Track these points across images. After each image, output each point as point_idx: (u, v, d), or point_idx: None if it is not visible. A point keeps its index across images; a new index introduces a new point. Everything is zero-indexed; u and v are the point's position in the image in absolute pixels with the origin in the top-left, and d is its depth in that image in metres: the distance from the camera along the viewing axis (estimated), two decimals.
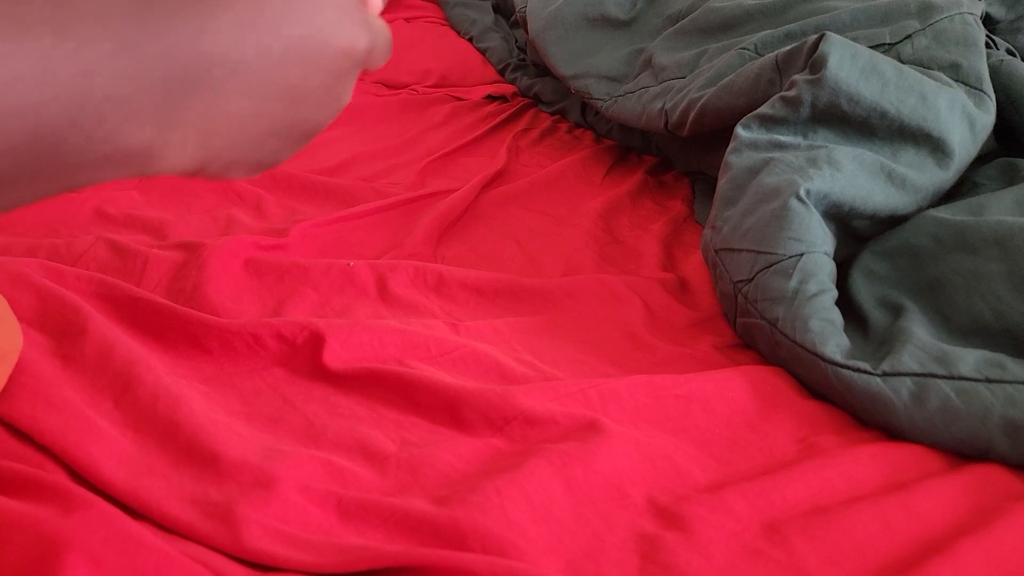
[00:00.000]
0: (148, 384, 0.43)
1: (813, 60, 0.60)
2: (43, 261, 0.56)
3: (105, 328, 0.46)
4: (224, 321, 0.53)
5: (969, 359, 0.48)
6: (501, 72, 1.18)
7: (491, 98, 1.11)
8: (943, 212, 0.56)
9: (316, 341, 0.53)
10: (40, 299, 0.48)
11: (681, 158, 0.91)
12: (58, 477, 0.35)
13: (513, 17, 1.22)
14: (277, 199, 0.77)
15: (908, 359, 0.48)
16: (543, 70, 1.09)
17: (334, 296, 0.62)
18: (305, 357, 0.53)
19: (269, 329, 0.53)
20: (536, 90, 1.11)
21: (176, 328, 0.53)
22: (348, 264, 0.63)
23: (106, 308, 0.52)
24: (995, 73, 0.69)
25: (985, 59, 0.66)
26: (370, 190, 0.81)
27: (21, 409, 0.38)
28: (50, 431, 0.37)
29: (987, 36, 0.73)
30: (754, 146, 0.61)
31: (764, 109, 0.62)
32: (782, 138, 0.61)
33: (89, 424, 0.38)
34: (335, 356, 0.52)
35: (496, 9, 1.32)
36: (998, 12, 0.76)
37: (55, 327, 0.47)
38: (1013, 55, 0.76)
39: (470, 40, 1.24)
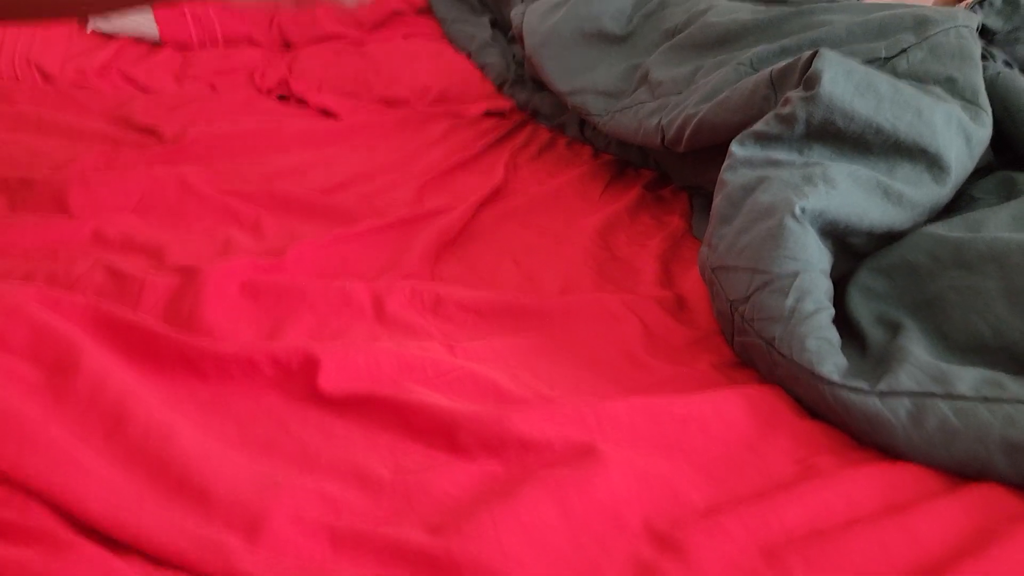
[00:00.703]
0: (140, 419, 0.43)
1: (807, 77, 0.60)
2: (39, 287, 0.55)
3: (98, 361, 0.46)
4: (219, 345, 0.53)
5: (967, 378, 0.47)
6: (499, 87, 1.18)
7: (489, 113, 1.12)
8: (940, 228, 0.56)
9: (311, 365, 0.52)
10: (33, 331, 0.48)
11: (678, 173, 0.91)
12: (45, 520, 0.35)
13: (511, 32, 1.22)
14: (275, 219, 0.77)
15: (906, 378, 0.48)
16: (541, 85, 1.09)
17: (331, 317, 0.62)
18: (300, 381, 0.52)
19: (264, 353, 0.53)
20: (534, 105, 1.11)
21: (172, 353, 0.53)
22: (343, 287, 0.63)
23: (101, 335, 0.52)
24: (991, 86, 0.69)
25: (981, 73, 0.66)
26: (368, 208, 0.81)
27: (6, 454, 0.38)
28: (36, 474, 0.37)
29: (984, 47, 0.73)
30: (749, 163, 0.61)
31: (759, 126, 0.62)
32: (777, 155, 0.61)
33: (76, 464, 0.38)
34: (330, 380, 0.52)
35: (494, 24, 1.32)
36: (995, 23, 0.76)
37: (48, 360, 0.47)
38: (1010, 66, 0.76)
39: (468, 56, 1.24)
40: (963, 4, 0.77)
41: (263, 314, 0.61)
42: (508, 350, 0.60)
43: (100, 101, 0.96)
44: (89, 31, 1.14)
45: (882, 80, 0.60)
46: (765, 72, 0.67)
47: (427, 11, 1.35)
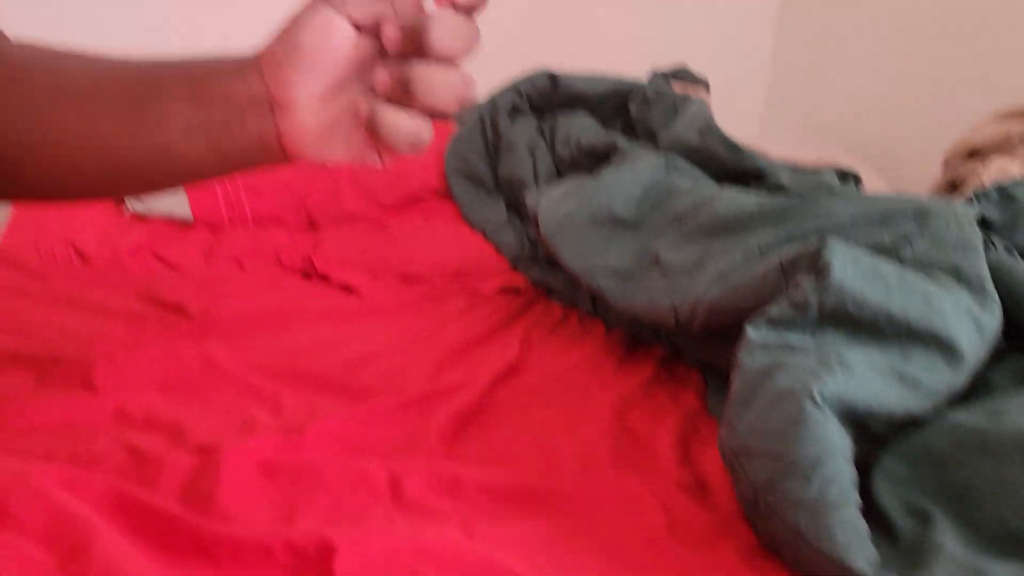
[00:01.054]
0: None
1: (817, 265, 0.62)
2: (59, 466, 0.56)
3: (111, 546, 0.46)
4: (234, 530, 0.52)
5: (1003, 575, 0.46)
6: (514, 265, 1.22)
7: (505, 290, 1.15)
8: (961, 416, 0.56)
9: (327, 552, 0.51)
10: (51, 515, 0.48)
11: (691, 351, 0.92)
12: None
13: (525, 213, 1.28)
14: (296, 395, 0.78)
15: (941, 574, 0.46)
16: (553, 263, 1.13)
17: (348, 499, 0.61)
18: (316, 569, 0.51)
19: (279, 539, 0.52)
20: (547, 282, 1.14)
21: (186, 537, 0.52)
22: (360, 468, 0.62)
23: (117, 517, 0.52)
24: (996, 272, 0.71)
25: (985, 261, 0.68)
26: (388, 384, 0.82)
27: None
28: None
29: (985, 236, 0.76)
30: (764, 347, 0.62)
31: (773, 311, 0.64)
32: (792, 339, 0.62)
33: None
34: (347, 568, 0.50)
35: (509, 204, 1.38)
36: (992, 214, 0.79)
37: (63, 545, 0.46)
38: (1012, 253, 0.78)
39: (484, 235, 1.29)
40: (959, 196, 0.81)
41: (280, 495, 0.61)
42: (527, 536, 0.59)
43: (131, 280, 1.00)
44: (127, 212, 1.21)
45: (889, 269, 0.62)
46: (775, 259, 0.69)
47: (446, 194, 1.43)
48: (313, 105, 0.51)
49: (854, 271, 0.61)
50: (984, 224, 0.81)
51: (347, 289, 1.11)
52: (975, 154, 1.03)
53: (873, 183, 1.66)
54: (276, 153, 0.53)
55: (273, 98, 0.51)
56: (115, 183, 0.55)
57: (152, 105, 0.51)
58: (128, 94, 0.52)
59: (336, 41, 0.49)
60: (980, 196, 0.80)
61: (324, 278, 1.13)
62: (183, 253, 1.11)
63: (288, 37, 0.49)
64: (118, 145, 0.51)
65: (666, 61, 1.49)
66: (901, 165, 1.78)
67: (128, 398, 0.70)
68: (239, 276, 1.06)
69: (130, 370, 0.74)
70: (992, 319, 0.64)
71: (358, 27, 0.49)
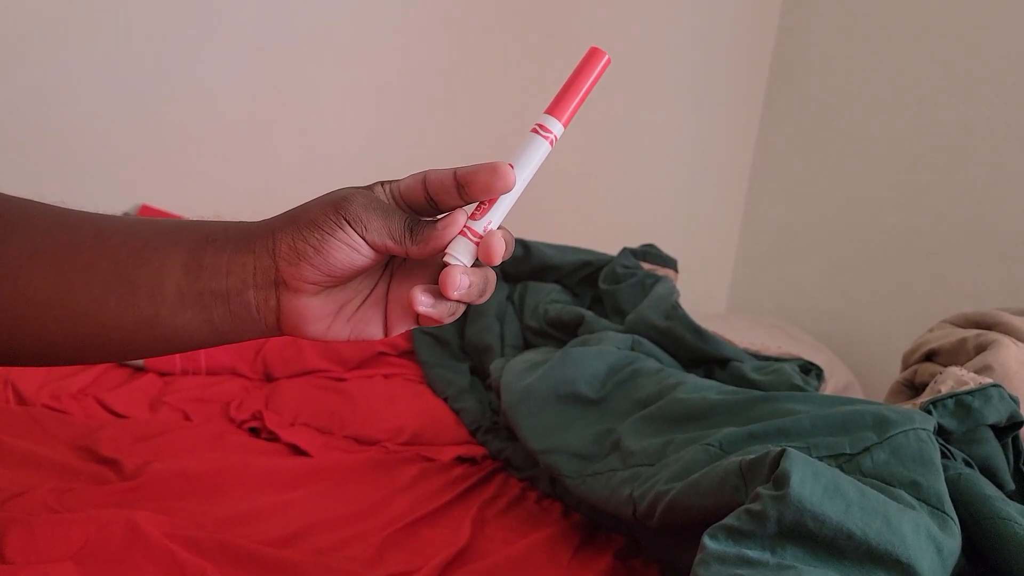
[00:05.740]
0: None
1: (776, 476, 0.61)
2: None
3: None
4: None
5: None
6: (473, 433, 1.19)
7: (461, 460, 1.11)
8: None
9: None
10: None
11: (650, 545, 0.88)
12: None
13: (488, 381, 1.26)
14: (221, 572, 0.73)
15: None
16: (514, 436, 1.10)
17: None
18: None
19: None
20: (507, 454, 1.11)
21: None
22: None
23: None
24: (954, 488, 0.70)
25: (943, 477, 0.67)
26: (322, 566, 0.77)
27: None
28: None
29: (943, 446, 0.75)
30: (722, 559, 0.59)
31: (731, 520, 0.61)
32: (750, 553, 0.59)
33: None
34: None
35: (473, 371, 1.37)
36: (949, 424, 0.79)
37: None
38: (970, 465, 0.78)
39: (445, 400, 1.27)
40: (916, 404, 0.81)
41: None
42: None
43: (68, 428, 0.95)
44: None
45: (849, 484, 0.61)
46: (735, 462, 0.68)
47: (410, 353, 1.41)
48: (322, 292, 0.50)
49: (814, 485, 0.59)
50: (941, 432, 0.80)
51: (296, 448, 1.07)
52: (932, 355, 1.04)
53: (833, 365, 1.68)
54: (272, 328, 0.50)
55: (282, 278, 0.48)
56: (89, 351, 0.49)
57: (142, 271, 0.47)
58: (112, 258, 0.47)
59: (359, 261, 0.48)
60: (937, 404, 0.80)
61: (272, 435, 1.09)
62: (128, 400, 1.07)
63: (312, 238, 0.47)
64: (96, 313, 0.47)
65: (638, 239, 1.53)
66: (859, 346, 1.81)
67: (38, 571, 0.65)
68: (183, 429, 1.02)
69: (47, 539, 0.69)
70: (953, 542, 0.62)
71: (375, 248, 0.48)
